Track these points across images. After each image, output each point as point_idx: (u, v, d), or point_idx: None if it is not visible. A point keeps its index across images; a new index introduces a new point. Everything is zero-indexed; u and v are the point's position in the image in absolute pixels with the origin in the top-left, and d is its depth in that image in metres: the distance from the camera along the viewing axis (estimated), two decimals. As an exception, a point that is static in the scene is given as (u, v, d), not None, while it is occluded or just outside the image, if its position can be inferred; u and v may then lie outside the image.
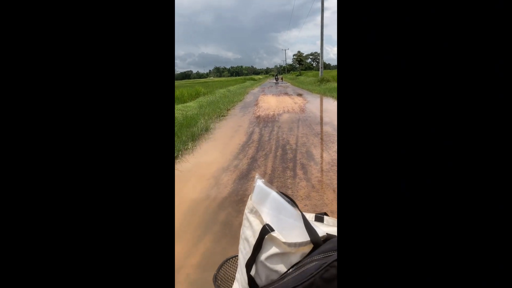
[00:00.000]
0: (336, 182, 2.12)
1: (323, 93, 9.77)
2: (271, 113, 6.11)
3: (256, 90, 16.32)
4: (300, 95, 10.39)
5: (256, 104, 8.08)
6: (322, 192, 2.08)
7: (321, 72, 15.55)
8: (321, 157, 2.87)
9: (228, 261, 0.71)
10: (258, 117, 5.68)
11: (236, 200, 2.05)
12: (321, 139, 3.53)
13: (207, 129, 4.60)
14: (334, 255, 0.40)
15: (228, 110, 7.12)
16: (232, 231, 1.64)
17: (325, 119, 4.99)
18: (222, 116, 6.13)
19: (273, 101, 8.60)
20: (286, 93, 11.64)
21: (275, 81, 26.68)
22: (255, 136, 3.95)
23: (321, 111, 6.06)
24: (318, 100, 8.39)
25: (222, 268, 0.69)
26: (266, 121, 5.09)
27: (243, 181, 2.39)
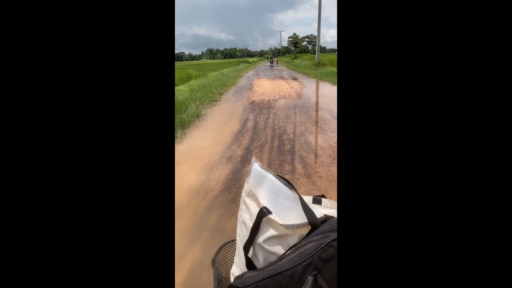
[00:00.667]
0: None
1: (320, 78, 9.44)
2: (266, 98, 5.81)
3: (250, 73, 15.79)
4: (296, 79, 10.03)
5: (251, 89, 7.72)
6: (324, 190, 1.87)
7: (318, 56, 15.09)
8: (315, 145, 2.65)
9: (226, 245, 0.71)
10: (253, 102, 5.38)
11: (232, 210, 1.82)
12: (316, 122, 3.30)
13: (198, 116, 4.30)
14: (332, 236, 0.41)
15: (220, 94, 6.77)
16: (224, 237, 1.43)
17: (322, 104, 4.73)
18: (215, 101, 5.80)
19: (268, 86, 8.25)
20: (281, 77, 11.24)
21: (269, 64, 25.56)
22: (250, 124, 3.69)
23: (317, 96, 5.79)
24: (315, 85, 8.08)
25: (220, 252, 0.69)
26: (261, 107, 4.80)
27: (237, 179, 2.16)
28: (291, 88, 7.34)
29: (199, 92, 6.54)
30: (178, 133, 3.36)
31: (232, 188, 1.97)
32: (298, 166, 2.28)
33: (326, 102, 4.94)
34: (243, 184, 2.00)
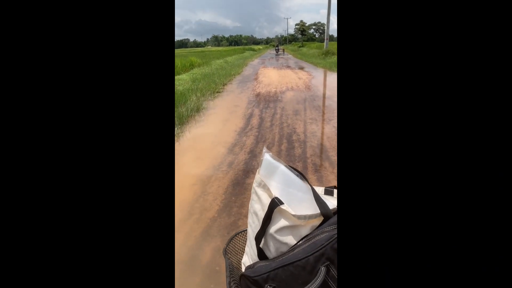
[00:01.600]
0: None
1: (329, 68, 8.92)
2: (273, 90, 5.39)
3: (255, 61, 15.20)
4: (303, 69, 9.51)
5: (256, 79, 7.28)
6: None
7: (326, 44, 14.41)
8: (331, 150, 2.28)
9: (238, 235, 0.72)
10: (258, 95, 4.97)
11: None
12: (323, 114, 2.92)
13: (198, 110, 3.93)
14: None
15: (224, 85, 6.35)
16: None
17: (335, 98, 4.31)
18: (217, 92, 5.40)
19: (274, 76, 7.79)
20: (288, 66, 10.71)
21: (275, 52, 24.35)
22: (255, 121, 3.31)
23: (327, 87, 5.35)
24: (324, 75, 7.60)
25: (231, 242, 0.69)
26: (268, 101, 4.40)
27: (238, 194, 1.81)
28: (299, 79, 6.88)
29: (201, 82, 6.14)
30: (175, 130, 3.01)
31: (232, 208, 1.62)
32: (312, 178, 1.92)
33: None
34: (246, 203, 1.67)
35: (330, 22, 13.82)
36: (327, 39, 14.48)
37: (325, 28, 14.24)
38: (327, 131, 2.84)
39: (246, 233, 0.64)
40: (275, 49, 24.60)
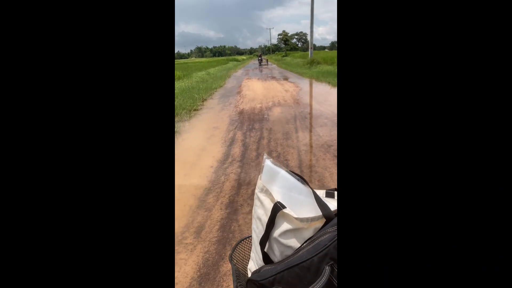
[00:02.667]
0: None
1: (316, 78, 8.50)
2: (258, 105, 4.81)
3: (239, 72, 14.71)
4: (289, 79, 9.05)
5: (239, 92, 6.69)
6: None
7: (311, 53, 14.18)
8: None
9: (243, 241, 0.72)
10: (241, 112, 4.36)
11: None
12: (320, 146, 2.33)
13: (168, 135, 3.26)
14: None
15: (203, 101, 5.70)
16: None
17: (329, 115, 3.76)
18: (195, 110, 4.75)
19: (259, 88, 7.24)
20: (273, 77, 10.25)
21: (258, 63, 22.98)
22: (237, 150, 2.68)
23: (312, 98, 4.84)
24: (312, 86, 7.13)
25: (237, 249, 0.69)
26: (252, 120, 3.79)
27: None
28: (286, 91, 6.35)
29: (178, 98, 5.47)
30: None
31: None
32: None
33: (333, 112, 3.97)
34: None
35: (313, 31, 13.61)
36: (311, 48, 14.25)
37: (309, 37, 14.02)
38: (328, 164, 2.24)
39: (251, 240, 0.64)
40: (258, 60, 23.08)
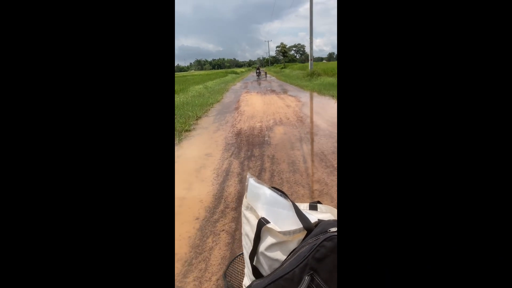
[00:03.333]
0: None
1: (318, 91, 8.04)
2: (258, 124, 4.29)
3: (238, 85, 14.33)
4: (290, 92, 8.60)
5: (237, 108, 6.19)
6: None
7: (311, 65, 13.84)
8: None
9: (236, 258, 0.73)
10: (239, 133, 3.83)
11: None
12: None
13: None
14: (322, 236, 0.43)
15: (198, 119, 5.19)
16: None
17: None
18: (187, 130, 4.22)
19: (258, 103, 6.75)
20: (273, 91, 9.81)
21: (256, 75, 21.65)
22: (231, 188, 2.12)
23: (316, 114, 4.31)
24: (316, 100, 6.64)
25: (231, 266, 0.71)
26: (251, 144, 3.26)
27: None
28: (287, 106, 5.85)
29: (168, 117, 4.94)
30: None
31: None
32: None
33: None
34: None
35: (309, 43, 13.34)
36: (311, 60, 13.93)
37: (307, 49, 13.73)
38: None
39: (243, 256, 0.65)
40: (256, 72, 21.79)
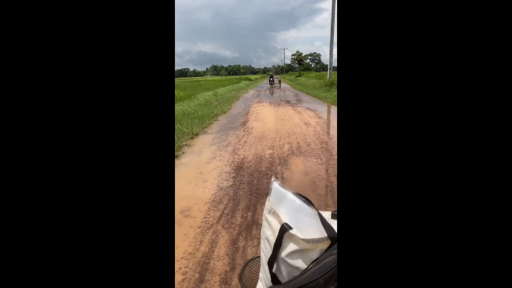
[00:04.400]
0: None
1: (342, 105, 6.86)
2: (267, 152, 3.18)
3: (250, 93, 13.31)
4: (307, 104, 7.45)
5: (244, 123, 5.12)
6: None
7: (330, 74, 12.67)
8: None
9: (252, 261, 0.74)
10: (240, 167, 2.73)
11: None
12: None
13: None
14: None
15: (193, 137, 4.14)
16: None
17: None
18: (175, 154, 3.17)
19: (270, 117, 5.66)
20: (288, 102, 8.70)
21: (269, 83, 18.95)
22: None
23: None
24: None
25: (246, 268, 0.72)
26: (255, 191, 2.15)
27: None
28: (306, 124, 4.72)
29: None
30: None
31: None
32: None
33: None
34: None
35: (323, 52, 12.21)
36: (330, 69, 12.76)
37: (328, 57, 12.59)
38: None
39: (259, 260, 0.65)
40: (270, 80, 19.17)
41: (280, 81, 21.66)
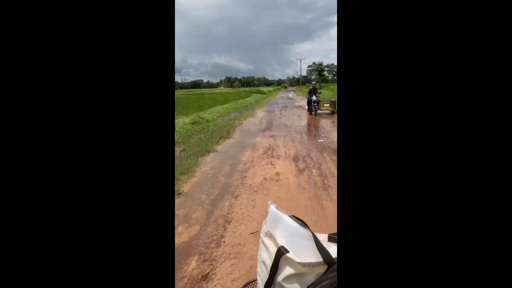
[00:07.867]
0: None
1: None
2: None
3: (258, 115, 9.70)
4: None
5: (236, 196, 1.71)
6: None
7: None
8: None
9: (248, 285, 0.73)
10: None
11: None
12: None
13: None
14: None
15: None
16: None
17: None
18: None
19: (290, 193, 2.21)
20: (313, 130, 5.22)
21: (307, 105, 9.03)
22: None
23: None
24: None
25: None
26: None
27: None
28: None
29: None
30: None
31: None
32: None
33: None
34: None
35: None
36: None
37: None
38: None
39: (256, 283, 0.65)
40: (308, 100, 8.87)
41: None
